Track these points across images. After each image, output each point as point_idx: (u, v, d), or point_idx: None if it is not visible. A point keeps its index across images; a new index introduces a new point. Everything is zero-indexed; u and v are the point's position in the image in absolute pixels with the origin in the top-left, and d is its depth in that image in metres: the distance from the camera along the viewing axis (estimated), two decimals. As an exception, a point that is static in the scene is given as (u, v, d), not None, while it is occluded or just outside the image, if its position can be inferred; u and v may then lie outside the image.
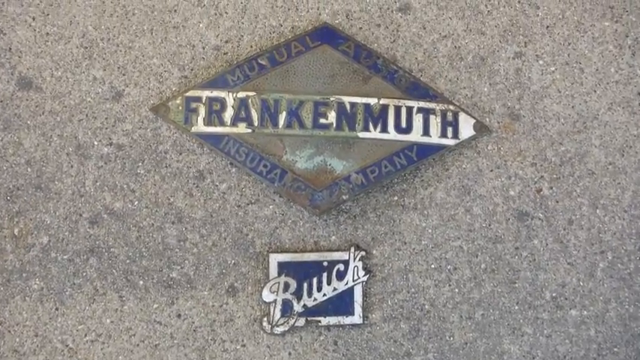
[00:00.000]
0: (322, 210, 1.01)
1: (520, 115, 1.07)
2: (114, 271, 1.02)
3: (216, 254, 1.03)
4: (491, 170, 1.06)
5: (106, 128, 1.04)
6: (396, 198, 1.06)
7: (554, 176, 1.06)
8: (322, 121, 1.02)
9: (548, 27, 1.09)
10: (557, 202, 1.06)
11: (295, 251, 1.03)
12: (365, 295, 1.03)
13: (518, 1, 1.09)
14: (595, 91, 1.08)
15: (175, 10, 1.07)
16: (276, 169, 1.01)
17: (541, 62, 1.08)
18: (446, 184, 1.06)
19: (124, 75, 1.05)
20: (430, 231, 1.05)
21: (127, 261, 1.02)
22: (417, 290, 1.04)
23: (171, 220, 1.03)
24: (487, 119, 1.07)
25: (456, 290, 1.04)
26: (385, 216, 1.05)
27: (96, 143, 1.04)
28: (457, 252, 1.05)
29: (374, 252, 1.05)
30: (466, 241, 1.05)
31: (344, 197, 1.01)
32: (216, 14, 1.07)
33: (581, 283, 1.05)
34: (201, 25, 1.06)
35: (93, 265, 1.02)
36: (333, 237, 1.05)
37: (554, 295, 1.04)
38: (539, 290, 1.05)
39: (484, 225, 1.05)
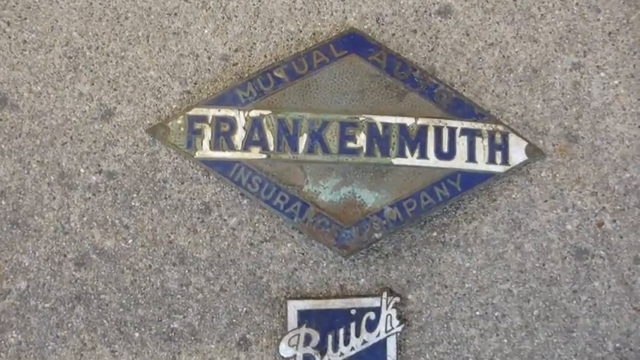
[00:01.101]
0: (351, 251, 0.86)
1: (578, 136, 0.92)
2: (105, 321, 0.88)
3: (225, 301, 0.88)
4: (546, 201, 0.91)
5: (95, 153, 0.89)
6: (435, 234, 0.91)
7: (618, 207, 0.92)
8: (350, 145, 0.87)
9: (610, 34, 0.94)
10: (622, 237, 0.91)
11: (318, 297, 0.89)
12: (399, 347, 0.88)
13: (576, 4, 0.94)
14: (664, 108, 0.93)
15: (175, 14, 0.91)
16: (296, 202, 0.86)
17: (602, 75, 0.93)
18: (493, 218, 0.91)
19: (115, 90, 0.89)
20: (475, 272, 0.90)
21: (120, 309, 0.88)
22: (460, 341, 0.90)
23: (171, 262, 0.88)
24: (540, 141, 0.92)
25: (505, 341, 0.90)
26: (422, 255, 0.90)
27: (82, 171, 0.88)
28: (506, 296, 0.90)
29: (409, 297, 0.90)
30: (516, 283, 0.90)
31: (376, 236, 0.86)
32: (223, 18, 0.91)
33: (649, 332, 0.91)
34: (206, 31, 0.91)
35: (80, 314, 0.87)
36: (362, 280, 0.90)
37: (617, 345, 0.91)
38: (600, 340, 0.91)
39: (537, 265, 0.91)
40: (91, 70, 0.90)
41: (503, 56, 0.93)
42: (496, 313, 0.91)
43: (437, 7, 0.93)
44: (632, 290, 0.92)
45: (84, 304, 0.88)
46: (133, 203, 0.89)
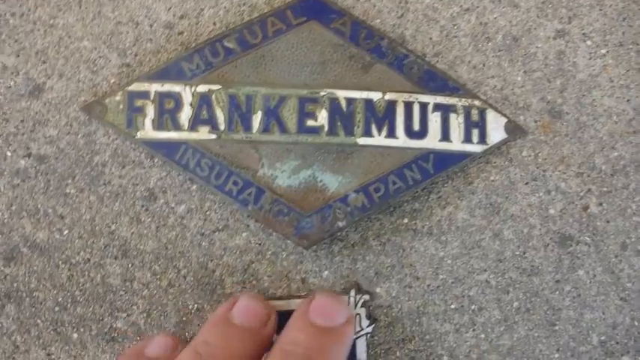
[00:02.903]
0: (312, 241, 0.77)
1: (563, 111, 0.84)
2: (39, 321, 0.78)
3: (174, 297, 0.79)
4: (527, 183, 0.83)
5: (23, 134, 0.78)
6: (405, 221, 0.82)
7: (605, 189, 0.84)
8: (310, 123, 0.78)
9: (598, -3, 0.85)
10: (608, 221, 0.84)
11: (279, 297, 0.80)
12: (368, 346, 0.80)
13: (562, -36, 0.85)
14: (656, 80, 0.85)
15: (112, -25, 0.80)
16: (251, 188, 0.77)
17: (589, 43, 0.84)
18: (469, 203, 0.83)
19: (44, 63, 0.79)
20: (449, 262, 0.82)
21: (56, 308, 0.78)
22: (433, 337, 0.82)
23: (113, 255, 0.79)
24: (521, 117, 0.83)
25: (482, 336, 0.82)
26: (392, 244, 0.82)
27: (9, 154, 0.78)
28: (483, 288, 0.82)
29: (378, 290, 0.82)
30: (494, 273, 0.82)
31: (340, 224, 0.77)
32: (167, -20, 0.81)
33: (637, 323, 0.84)
34: (147, -5, 0.80)
35: (10, 314, 0.78)
36: (326, 272, 0.81)
37: (602, 338, 0.83)
38: (584, 333, 0.83)
39: (517, 253, 0.83)
40: (16, 41, 0.79)
41: (481, 23, 0.84)
42: (472, 307, 0.83)
43: (407, -33, 0.83)
44: (619, 279, 0.84)
45: (15, 303, 0.79)
46: (67, 190, 0.79)
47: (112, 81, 0.80)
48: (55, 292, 0.79)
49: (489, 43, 0.84)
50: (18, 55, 0.79)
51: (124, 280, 0.80)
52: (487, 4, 0.84)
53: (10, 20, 0.79)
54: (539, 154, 0.84)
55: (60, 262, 0.79)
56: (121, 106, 0.78)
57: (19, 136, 0.79)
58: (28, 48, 0.79)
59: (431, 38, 0.83)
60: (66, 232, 0.79)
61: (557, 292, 0.84)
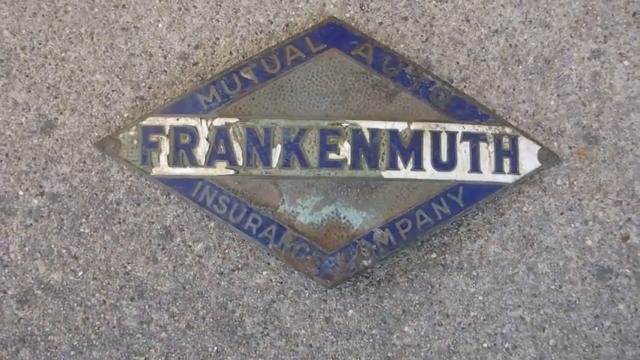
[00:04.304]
0: (336, 282, 0.74)
1: (599, 136, 0.79)
2: None
3: (193, 339, 0.76)
4: (562, 213, 0.79)
5: (35, 172, 0.76)
6: (434, 255, 0.78)
7: (646, 218, 0.79)
8: (332, 156, 0.75)
9: (635, 14, 0.81)
10: (650, 252, 0.79)
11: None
12: (395, 388, 0.76)
13: (595, -20, 0.80)
14: (699, 101, 0.80)
15: (124, 5, 0.78)
16: (271, 225, 0.74)
17: (626, 63, 0.80)
18: (501, 235, 0.78)
19: (56, 98, 0.77)
20: (481, 298, 0.78)
21: (72, 352, 0.76)
22: (465, 378, 0.78)
23: (129, 296, 0.76)
24: (555, 144, 0.79)
25: (517, 376, 0.78)
26: (420, 280, 0.78)
27: (21, 193, 0.76)
28: (517, 325, 0.78)
29: (406, 329, 0.78)
30: (529, 309, 0.78)
31: (365, 263, 0.74)
32: (180, 9, 0.78)
33: (682, 360, 0.79)
34: (160, 25, 0.78)
35: (25, 358, 0.76)
36: (351, 311, 0.78)
37: (646, 376, 0.79)
38: (626, 371, 0.79)
39: (553, 287, 0.79)
40: (27, 75, 0.77)
41: (510, 45, 0.80)
42: (506, 345, 0.79)
43: (431, -11, 0.79)
44: (663, 313, 0.79)
45: (29, 347, 0.76)
46: (81, 229, 0.77)
47: (126, 115, 0.77)
48: (70, 335, 0.76)
49: (520, 66, 0.80)
50: (29, 91, 0.77)
51: (141, 323, 0.77)
52: (517, 25, 0.80)
53: (20, 54, 0.77)
54: (575, 182, 0.79)
55: (75, 305, 0.77)
56: (135, 142, 0.75)
57: (31, 174, 0.76)
58: (40, 83, 0.77)
59: (458, 63, 0.79)
60: (80, 273, 0.76)
61: (596, 328, 0.79)
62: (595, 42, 0.81)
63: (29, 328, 0.77)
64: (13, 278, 0.76)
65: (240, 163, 0.75)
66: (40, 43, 0.77)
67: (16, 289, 0.76)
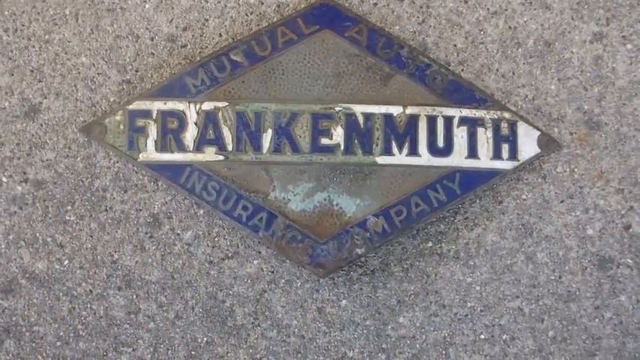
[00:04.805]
0: (328, 270, 0.72)
1: (601, 122, 0.77)
2: (39, 357, 0.75)
3: (182, 330, 0.74)
4: (562, 201, 0.77)
5: (19, 158, 0.74)
6: (430, 244, 0.76)
7: (649, 206, 0.77)
8: (325, 141, 0.72)
9: (639, -4, 0.78)
10: (653, 242, 0.77)
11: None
12: (390, 381, 0.74)
13: (598, -40, 0.78)
14: None
15: (110, -14, 0.75)
16: (261, 212, 0.72)
17: (629, 46, 0.78)
18: (499, 224, 0.76)
19: (40, 81, 0.75)
20: (478, 288, 0.76)
21: (58, 343, 0.75)
22: (462, 370, 0.76)
23: (116, 285, 0.74)
24: (555, 129, 0.77)
25: (515, 368, 0.76)
26: (415, 269, 0.76)
27: (5, 180, 0.74)
28: (515, 316, 0.77)
29: (401, 320, 0.76)
30: (528, 300, 0.77)
31: (358, 251, 0.72)
32: (168, -10, 0.75)
33: (685, 352, 0.77)
34: (147, 6, 0.76)
35: (10, 349, 0.75)
36: (344, 301, 0.76)
37: (647, 369, 0.77)
38: (627, 364, 0.77)
39: (552, 278, 0.77)
40: (10, 58, 0.75)
41: (510, 27, 0.77)
42: (504, 336, 0.77)
43: (428, -31, 0.77)
44: (665, 304, 0.77)
45: (14, 338, 0.75)
46: (67, 217, 0.75)
47: (112, 99, 0.75)
48: (56, 325, 0.75)
49: (519, 49, 0.77)
50: (12, 74, 0.75)
51: (129, 313, 0.75)
52: (516, 7, 0.77)
53: (2, 36, 0.75)
54: (576, 170, 0.77)
55: (60, 294, 0.75)
56: (122, 127, 0.72)
57: (14, 160, 0.74)
58: (23, 66, 0.75)
59: (455, 45, 0.77)
60: (66, 262, 0.74)
61: (596, 320, 0.78)
62: (597, 24, 0.78)
63: (14, 319, 0.75)
64: (-3, 267, 0.75)
65: (229, 148, 0.72)
66: (23, 25, 0.75)
67: (0, 278, 0.75)
